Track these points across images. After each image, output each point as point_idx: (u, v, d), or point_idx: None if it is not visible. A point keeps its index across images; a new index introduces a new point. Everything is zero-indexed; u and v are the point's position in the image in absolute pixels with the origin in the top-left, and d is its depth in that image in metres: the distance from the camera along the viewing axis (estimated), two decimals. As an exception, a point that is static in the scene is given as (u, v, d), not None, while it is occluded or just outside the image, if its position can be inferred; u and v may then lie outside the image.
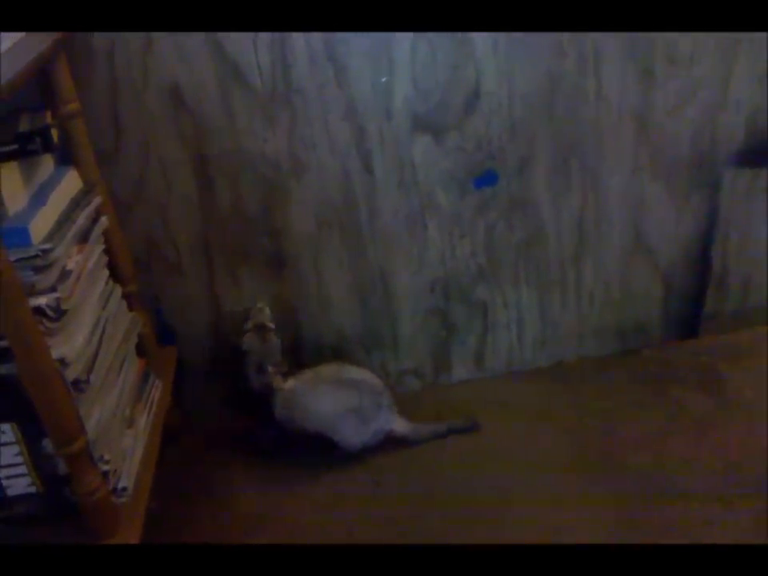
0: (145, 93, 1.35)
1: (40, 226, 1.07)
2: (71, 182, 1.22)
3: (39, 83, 1.19)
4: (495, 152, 1.47)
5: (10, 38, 1.09)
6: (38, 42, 1.10)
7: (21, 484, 1.12)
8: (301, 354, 1.61)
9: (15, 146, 1.05)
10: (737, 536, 1.22)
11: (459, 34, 1.35)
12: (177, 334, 1.56)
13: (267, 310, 1.52)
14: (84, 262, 1.17)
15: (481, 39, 1.36)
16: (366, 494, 1.43)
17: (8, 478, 1.12)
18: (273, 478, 1.48)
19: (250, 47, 1.32)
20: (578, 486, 1.38)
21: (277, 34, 1.31)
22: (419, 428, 1.52)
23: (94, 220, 1.25)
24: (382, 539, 1.30)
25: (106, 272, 1.29)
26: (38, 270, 1.03)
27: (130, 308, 1.37)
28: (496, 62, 1.39)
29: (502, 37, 1.36)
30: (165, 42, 1.30)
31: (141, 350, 1.42)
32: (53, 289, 1.04)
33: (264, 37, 1.31)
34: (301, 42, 1.32)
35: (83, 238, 1.20)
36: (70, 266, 1.12)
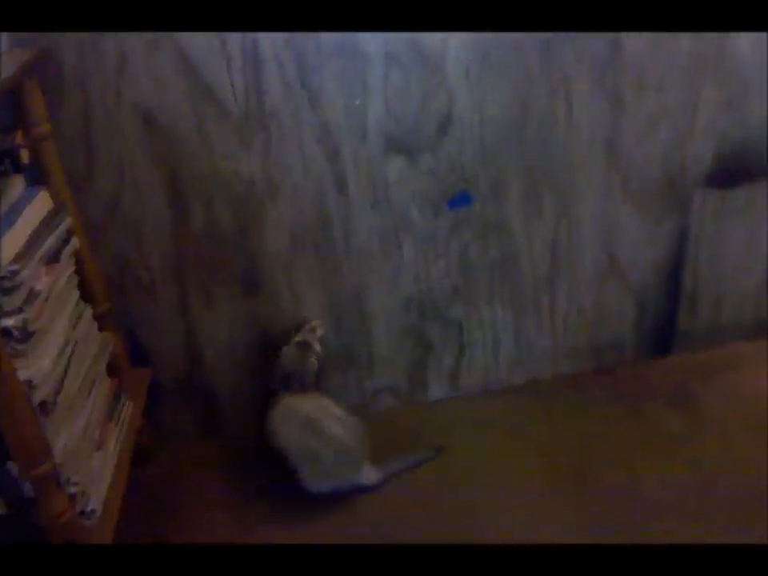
0: (118, 114, 1.35)
1: (8, 247, 1.06)
2: (42, 203, 1.22)
3: (10, 104, 1.19)
4: (468, 175, 1.49)
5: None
6: (9, 63, 1.11)
7: (-16, 507, 1.11)
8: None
9: (-16, 167, 1.05)
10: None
11: (431, 60, 1.37)
12: (150, 354, 1.56)
13: (320, 332, 1.52)
14: (53, 283, 1.17)
15: (452, 65, 1.38)
16: (342, 509, 1.43)
17: (-28, 501, 1.10)
18: (247, 503, 1.48)
19: (224, 70, 1.33)
20: (552, 504, 1.39)
21: (250, 58, 1.32)
22: (386, 473, 1.48)
23: (65, 241, 1.25)
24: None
25: (77, 293, 1.29)
26: (5, 291, 1.03)
27: (102, 329, 1.37)
28: (468, 87, 1.41)
29: (473, 63, 1.38)
30: (138, 63, 1.31)
31: (112, 371, 1.41)
32: (20, 310, 1.04)
33: (237, 60, 1.32)
34: (273, 67, 1.33)
35: (53, 258, 1.20)
36: (39, 287, 1.11)
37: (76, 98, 1.33)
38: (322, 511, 1.41)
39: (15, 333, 1.02)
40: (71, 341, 1.20)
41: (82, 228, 1.34)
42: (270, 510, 1.44)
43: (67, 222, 1.26)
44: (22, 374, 1.01)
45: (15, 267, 1.04)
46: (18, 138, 1.19)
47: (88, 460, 1.21)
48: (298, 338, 1.50)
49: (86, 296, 1.34)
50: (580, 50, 1.40)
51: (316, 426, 1.42)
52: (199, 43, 1.31)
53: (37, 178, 1.24)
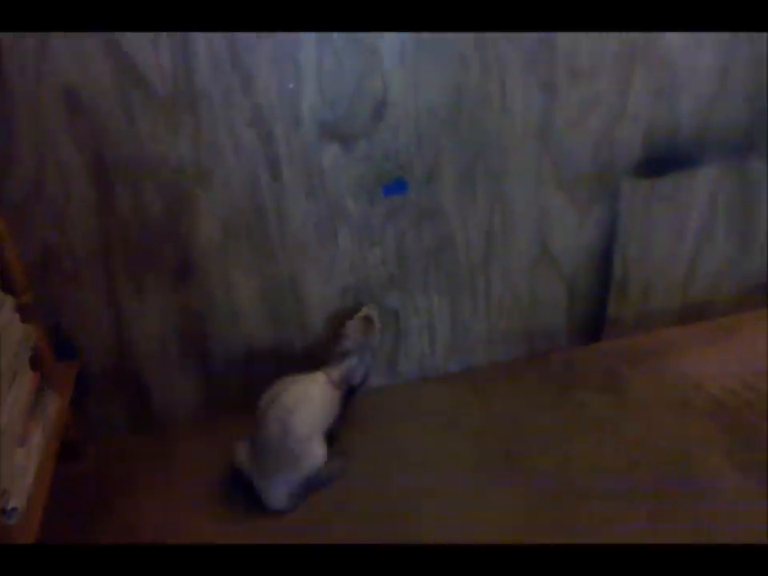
0: (39, 95, 1.29)
1: None
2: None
3: None
4: (403, 161, 1.49)
5: None
6: None
7: None
8: (208, 364, 1.58)
9: None
10: (636, 533, 1.27)
11: (365, 44, 1.36)
12: (77, 346, 1.50)
13: (377, 314, 1.55)
14: (-32, 272, 1.11)
15: (387, 50, 1.37)
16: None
17: None
18: (180, 497, 1.44)
19: (150, 50, 1.28)
20: (487, 488, 1.41)
21: (178, 37, 1.28)
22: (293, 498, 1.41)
23: (-19, 227, 1.19)
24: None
25: (-4, 282, 1.23)
26: None
27: (24, 320, 1.31)
28: (403, 72, 1.40)
29: (408, 48, 1.37)
30: (59, 43, 1.25)
31: (36, 364, 1.35)
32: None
33: (164, 39, 1.28)
34: (203, 47, 1.30)
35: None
36: (-49, 276, 1.06)
37: (-8, 77, 1.27)
38: (255, 506, 1.39)
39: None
40: (-12, 332, 1.15)
41: (1, 213, 1.28)
42: (203, 505, 1.41)
43: (-18, 208, 1.19)
44: (-67, 368, 0.96)
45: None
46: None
47: (9, 457, 1.16)
48: (362, 313, 1.53)
49: (6, 286, 1.28)
50: (513, 36, 1.40)
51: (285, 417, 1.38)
52: (124, 21, 1.25)
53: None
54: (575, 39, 1.44)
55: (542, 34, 1.41)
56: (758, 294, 1.80)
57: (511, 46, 1.42)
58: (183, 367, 1.57)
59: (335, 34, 1.33)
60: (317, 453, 1.40)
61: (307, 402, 1.41)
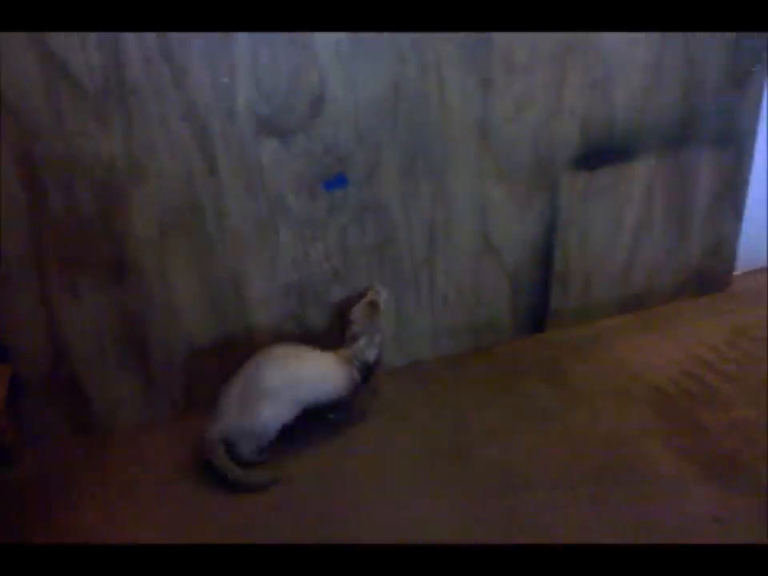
0: (-40, 90, 1.25)
1: None
2: None
3: None
4: (343, 156, 1.48)
5: None
6: None
7: None
8: (149, 365, 1.55)
9: None
10: (579, 521, 1.28)
11: (300, 39, 1.34)
12: (9, 349, 1.46)
13: (385, 295, 1.59)
14: None
15: (322, 44, 1.36)
16: (216, 503, 1.39)
17: None
18: (119, 503, 1.41)
19: (78, 46, 1.25)
20: (432, 481, 1.41)
21: (106, 33, 1.25)
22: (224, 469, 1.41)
23: None
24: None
25: None
26: None
27: (-50, 323, 1.27)
28: (340, 67, 1.39)
29: (344, 42, 1.37)
30: (-21, 36, 1.21)
31: (-36, 369, 1.31)
32: None
33: (92, 35, 1.24)
34: (133, 42, 1.27)
35: None
36: None
37: None
38: (197, 508, 1.37)
39: None
40: None
41: None
42: (142, 510, 1.39)
43: None
44: None
45: None
46: None
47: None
48: (367, 298, 1.56)
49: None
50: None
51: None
52: (49, 14, 1.22)
53: None
54: (511, 35, 1.45)
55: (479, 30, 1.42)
56: (694, 282, 1.85)
57: (448, 43, 1.42)
58: (123, 368, 1.53)
59: (269, 28, 1.32)
60: (266, 413, 1.40)
61: (294, 361, 1.45)
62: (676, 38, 1.55)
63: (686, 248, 1.80)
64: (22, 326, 1.44)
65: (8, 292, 1.40)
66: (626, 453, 1.43)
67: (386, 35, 1.38)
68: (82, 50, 1.25)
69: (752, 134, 1.72)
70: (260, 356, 1.44)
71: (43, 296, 1.43)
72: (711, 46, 1.58)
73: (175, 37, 1.28)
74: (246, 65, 1.34)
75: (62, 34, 1.23)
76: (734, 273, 1.91)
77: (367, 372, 1.54)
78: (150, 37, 1.28)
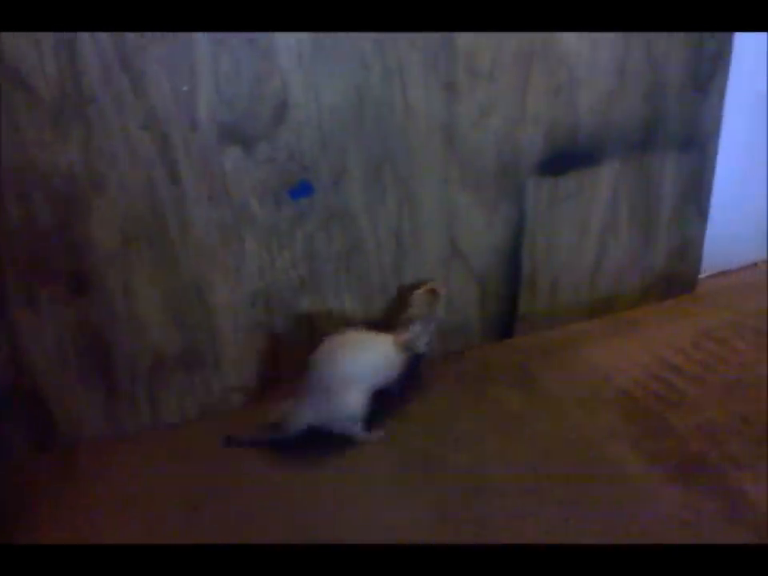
0: None
1: None
2: None
3: None
4: (308, 164, 1.47)
5: None
6: None
7: None
8: (112, 378, 1.52)
9: None
10: (549, 527, 1.28)
11: (261, 45, 1.33)
12: (-33, 364, 1.42)
13: (444, 290, 1.60)
14: None
15: (284, 51, 1.35)
16: (178, 520, 1.36)
17: None
18: (85, 517, 1.38)
19: (33, 54, 1.22)
20: (401, 488, 1.40)
21: (63, 40, 1.22)
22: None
23: None
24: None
25: None
26: None
27: None
28: (302, 73, 1.38)
29: (306, 49, 1.36)
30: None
31: None
32: None
33: (48, 39, 1.22)
34: (90, 49, 1.24)
35: None
36: None
37: None
38: (161, 525, 1.34)
39: None
40: None
41: None
42: (105, 529, 1.35)
43: None
44: None
45: None
46: None
47: None
48: (429, 286, 1.58)
49: None
50: (412, 36, 1.40)
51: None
52: (1, 22, 1.19)
53: None
54: (474, 40, 1.45)
55: (441, 36, 1.42)
56: (660, 285, 1.86)
57: (411, 48, 1.42)
58: (85, 382, 1.50)
59: (229, 35, 1.30)
60: (350, 401, 1.45)
61: (363, 348, 1.50)
62: (638, 42, 1.56)
63: (651, 251, 1.81)
64: (-21, 340, 1.41)
65: (-36, 306, 1.38)
66: (595, 456, 1.43)
67: (348, 40, 1.38)
68: (36, 57, 1.23)
69: (715, 137, 1.74)
70: (334, 344, 1.48)
71: (2, 309, 1.40)
72: (673, 50, 1.59)
73: (133, 44, 1.26)
74: (207, 72, 1.33)
75: (16, 41, 1.20)
76: (700, 275, 1.93)
77: (417, 359, 1.57)
78: (108, 44, 1.25)
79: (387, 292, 1.65)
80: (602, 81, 1.58)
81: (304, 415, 1.46)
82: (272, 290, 1.56)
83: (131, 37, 1.26)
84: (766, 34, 1.68)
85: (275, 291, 1.57)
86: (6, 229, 1.34)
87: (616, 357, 1.69)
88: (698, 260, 1.88)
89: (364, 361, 1.49)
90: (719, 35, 1.62)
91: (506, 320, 1.77)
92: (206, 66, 1.32)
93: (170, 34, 1.27)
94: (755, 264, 2.02)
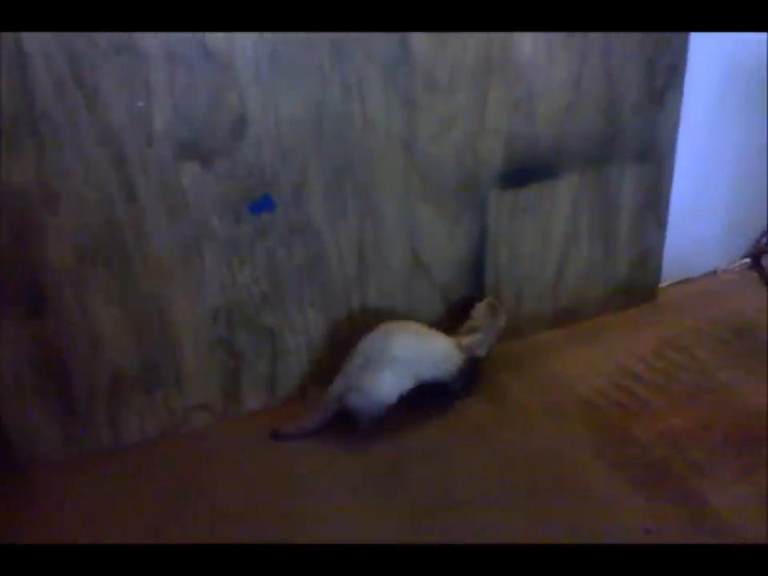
0: None
1: None
2: None
3: None
4: (268, 178, 1.46)
5: None
6: None
7: None
8: (70, 397, 1.49)
9: None
10: (514, 539, 1.27)
11: (218, 60, 1.32)
12: None
13: (500, 304, 1.68)
14: None
15: (241, 65, 1.34)
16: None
17: None
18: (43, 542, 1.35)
19: (-20, 68, 1.20)
20: (372, 504, 1.39)
21: (12, 54, 1.20)
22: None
23: None
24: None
25: None
26: None
27: None
28: (261, 88, 1.37)
29: (263, 63, 1.35)
30: None
31: None
32: None
33: (-4, 58, 1.20)
34: (42, 66, 1.22)
35: None
36: None
37: None
38: (119, 540, 1.32)
39: None
40: None
41: None
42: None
43: None
44: None
45: None
46: None
47: None
48: (489, 300, 1.67)
49: None
50: (369, 50, 1.41)
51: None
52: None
53: None
54: (433, 54, 1.46)
55: (399, 50, 1.43)
56: (621, 295, 1.88)
57: (369, 62, 1.42)
58: (43, 402, 1.47)
59: (185, 50, 1.29)
60: (386, 381, 1.49)
61: (418, 337, 1.55)
62: (594, 56, 1.58)
63: (612, 261, 1.83)
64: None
65: None
66: (559, 467, 1.44)
67: (306, 55, 1.37)
68: (-14, 73, 1.21)
69: (671, 148, 1.77)
70: (391, 326, 1.55)
71: (-47, 330, 1.37)
72: (628, 63, 1.62)
73: (86, 60, 1.25)
74: (163, 87, 1.31)
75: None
76: (661, 284, 1.95)
77: (474, 365, 1.62)
78: (60, 60, 1.23)
79: (351, 304, 1.65)
80: (559, 94, 1.59)
81: (336, 390, 1.51)
82: (233, 305, 1.55)
83: (84, 52, 1.24)
84: (720, 45, 1.72)
85: (237, 307, 1.55)
86: (-42, 248, 1.31)
87: (579, 366, 1.71)
88: (658, 269, 1.91)
89: (415, 348, 1.53)
90: (674, 47, 1.65)
91: (470, 332, 1.78)
92: (162, 82, 1.31)
93: (125, 50, 1.26)
94: (714, 272, 2.05)
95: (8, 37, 1.19)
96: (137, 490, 1.45)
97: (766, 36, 1.75)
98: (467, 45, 1.48)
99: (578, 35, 1.54)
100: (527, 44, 1.52)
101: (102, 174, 1.34)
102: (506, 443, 1.51)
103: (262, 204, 1.48)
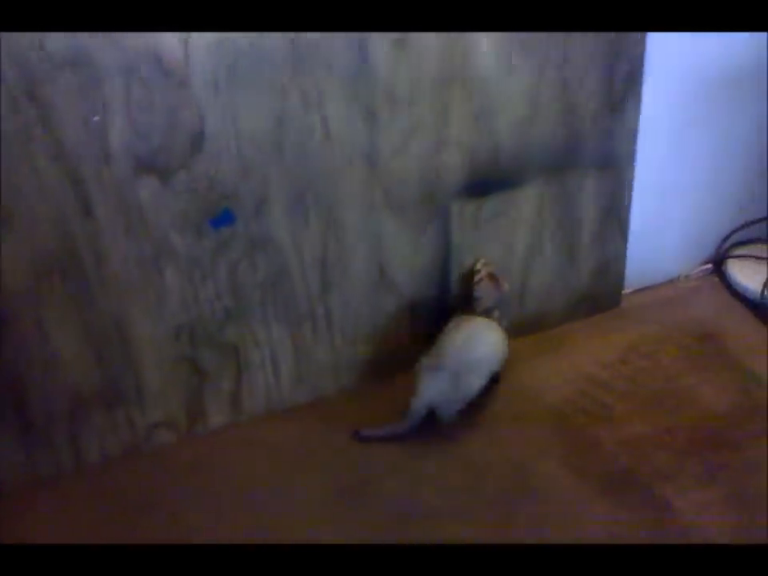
0: None
1: None
2: None
3: None
4: (229, 192, 1.44)
5: None
6: None
7: None
8: (30, 418, 1.45)
9: None
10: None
11: (175, 76, 1.31)
12: None
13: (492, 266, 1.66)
14: None
15: (198, 78, 1.32)
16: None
17: None
18: None
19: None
20: (335, 517, 1.38)
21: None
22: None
23: None
24: None
25: None
26: None
27: None
28: (219, 102, 1.36)
29: (221, 76, 1.34)
30: None
31: None
32: None
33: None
34: (-9, 79, 1.20)
35: None
36: None
37: None
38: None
39: None
40: None
41: None
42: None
43: None
44: None
45: None
46: None
47: None
48: (483, 273, 1.64)
49: None
50: (329, 63, 1.40)
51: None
52: None
53: None
54: (393, 66, 1.46)
55: (359, 63, 1.43)
56: (585, 302, 1.90)
57: (329, 76, 1.42)
58: (5, 428, 1.44)
59: (141, 64, 1.28)
60: (477, 384, 1.56)
61: (490, 334, 1.62)
62: (551, 67, 1.60)
63: (576, 270, 1.85)
64: None
65: None
66: (525, 475, 1.45)
67: (265, 69, 1.37)
68: (-66, 90, 1.18)
69: (631, 156, 1.79)
70: (469, 329, 1.60)
71: None
72: (585, 73, 1.63)
73: (39, 75, 1.22)
74: (119, 103, 1.29)
75: None
76: (624, 291, 1.97)
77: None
78: (13, 74, 1.21)
79: (315, 318, 1.63)
80: (519, 105, 1.60)
81: (428, 395, 1.54)
82: (196, 321, 1.53)
83: (37, 66, 1.22)
84: (679, 56, 1.74)
85: (199, 323, 1.53)
86: None
87: (545, 375, 1.71)
88: (621, 276, 1.93)
89: (490, 347, 1.61)
90: (630, 56, 1.67)
91: (437, 343, 1.78)
92: (118, 96, 1.29)
93: (79, 64, 1.24)
94: (677, 278, 2.08)
95: (-43, 51, 1.17)
96: (99, 513, 1.42)
97: (724, 41, 1.78)
98: (427, 57, 1.48)
99: (534, 46, 1.55)
100: (486, 56, 1.53)
101: (58, 191, 1.31)
102: (472, 453, 1.51)
103: (222, 218, 1.47)
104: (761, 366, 1.68)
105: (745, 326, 1.84)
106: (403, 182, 1.58)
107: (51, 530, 1.39)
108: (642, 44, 1.67)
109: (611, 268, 1.90)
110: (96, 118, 1.29)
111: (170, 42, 1.28)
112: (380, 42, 1.42)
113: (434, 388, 1.54)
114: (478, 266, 1.67)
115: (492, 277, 1.65)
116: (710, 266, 2.09)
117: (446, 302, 1.73)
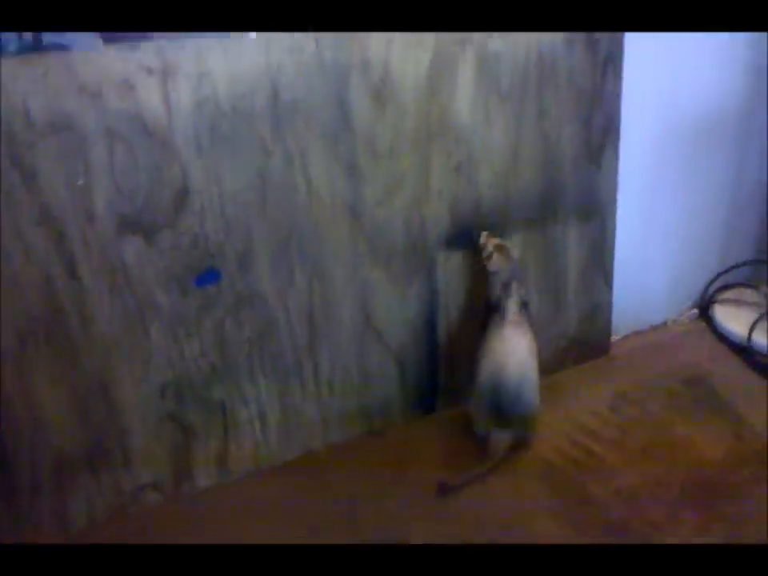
0: None
1: None
2: None
3: None
4: (213, 249, 1.45)
5: None
6: None
7: None
8: (13, 483, 1.43)
9: None
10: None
11: (158, 138, 1.33)
12: None
13: (495, 237, 1.63)
14: None
15: (181, 138, 1.35)
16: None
17: None
18: None
19: None
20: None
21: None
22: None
23: None
24: None
25: None
26: None
27: None
28: (202, 161, 1.38)
29: (203, 135, 1.36)
30: None
31: None
32: None
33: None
34: (-24, 146, 1.22)
35: None
36: None
37: None
38: None
39: None
40: None
41: None
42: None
43: None
44: None
45: None
46: None
47: None
48: (493, 246, 1.60)
49: None
50: (310, 119, 1.43)
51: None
52: None
53: None
54: (373, 121, 1.49)
55: (340, 119, 1.45)
56: (574, 350, 1.90)
57: (310, 133, 1.44)
58: (-9, 493, 1.41)
59: (124, 126, 1.30)
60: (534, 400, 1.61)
61: (531, 361, 1.61)
62: (529, 119, 1.63)
63: (562, 317, 1.85)
64: None
65: None
66: (519, 531, 1.42)
67: (247, 127, 1.39)
68: None
69: (612, 205, 1.81)
70: (514, 350, 1.60)
71: None
72: (563, 126, 1.67)
73: (22, 139, 1.24)
74: (102, 164, 1.31)
75: None
76: (613, 337, 1.97)
77: (527, 307, 1.64)
78: (-5, 138, 1.23)
79: (302, 372, 1.62)
80: (499, 157, 1.63)
81: (504, 437, 1.59)
82: (182, 379, 1.51)
83: (20, 132, 1.23)
84: (654, 103, 1.78)
85: (185, 381, 1.52)
86: None
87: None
88: (608, 323, 1.93)
89: (534, 374, 1.61)
90: (605, 106, 1.71)
91: (426, 394, 1.76)
92: (101, 159, 1.30)
93: (62, 129, 1.26)
94: (665, 323, 2.08)
95: (-59, 118, 1.18)
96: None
97: (699, 88, 1.82)
98: (407, 111, 1.51)
99: (511, 99, 1.59)
100: (465, 109, 1.56)
101: (42, 254, 1.31)
102: (466, 509, 1.48)
103: (207, 276, 1.47)
104: (750, 411, 1.67)
105: (732, 370, 1.84)
106: (388, 234, 1.59)
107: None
108: (617, 96, 1.71)
109: (598, 315, 1.90)
110: (80, 182, 1.30)
111: (152, 102, 1.31)
112: (360, 98, 1.46)
113: (504, 433, 1.59)
114: (482, 240, 1.63)
115: (500, 248, 1.60)
116: (695, 310, 2.10)
117: (435, 354, 1.73)
